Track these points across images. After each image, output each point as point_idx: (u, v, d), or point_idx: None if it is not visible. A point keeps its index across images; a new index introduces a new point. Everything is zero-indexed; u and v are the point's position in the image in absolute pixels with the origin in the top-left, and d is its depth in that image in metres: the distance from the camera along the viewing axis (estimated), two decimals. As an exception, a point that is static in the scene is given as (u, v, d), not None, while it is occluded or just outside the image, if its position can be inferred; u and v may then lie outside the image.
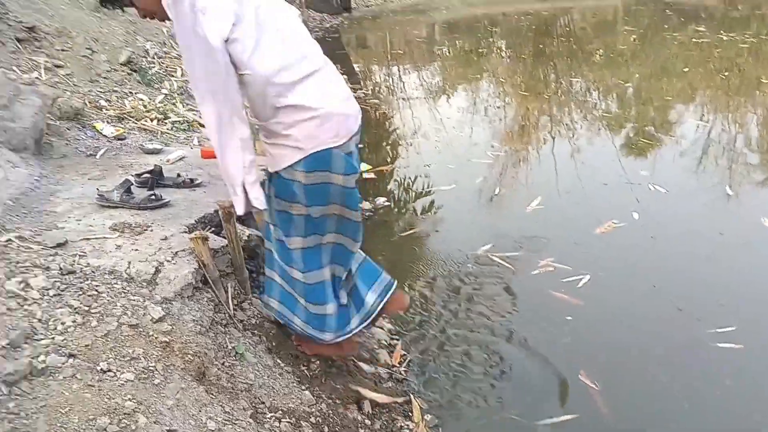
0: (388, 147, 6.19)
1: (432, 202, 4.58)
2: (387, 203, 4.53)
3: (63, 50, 4.16)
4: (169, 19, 1.87)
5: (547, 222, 4.12)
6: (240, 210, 2.03)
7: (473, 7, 17.82)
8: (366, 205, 4.41)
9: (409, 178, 5.13)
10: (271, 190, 2.12)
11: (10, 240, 2.23)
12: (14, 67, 3.72)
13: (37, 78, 3.70)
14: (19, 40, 4.04)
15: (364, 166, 5.19)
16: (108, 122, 3.61)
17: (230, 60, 1.82)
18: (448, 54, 11.77)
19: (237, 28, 1.81)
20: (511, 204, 4.53)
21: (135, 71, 4.42)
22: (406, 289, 3.35)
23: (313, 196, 2.04)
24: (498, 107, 7.47)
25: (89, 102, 3.76)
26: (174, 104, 4.24)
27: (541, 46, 11.46)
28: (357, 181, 2.11)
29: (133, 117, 3.80)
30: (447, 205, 4.51)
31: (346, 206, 2.13)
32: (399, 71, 10.25)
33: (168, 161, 3.25)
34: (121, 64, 4.38)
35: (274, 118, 1.95)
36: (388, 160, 5.65)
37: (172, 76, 4.72)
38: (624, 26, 13.43)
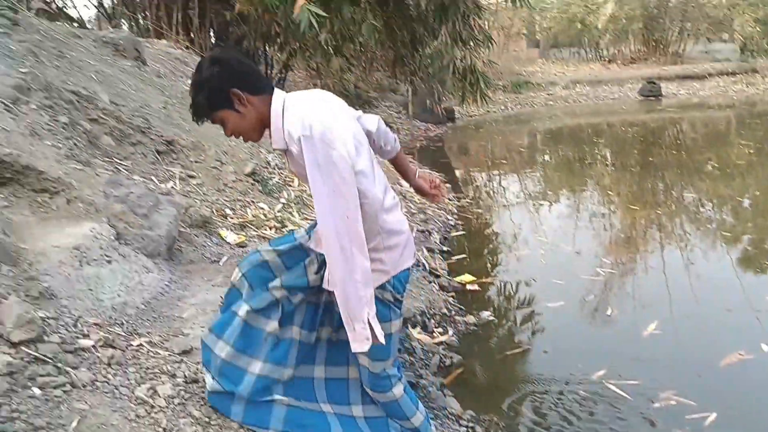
0: (490, 256, 6.15)
1: (539, 320, 4.44)
2: (491, 318, 4.45)
3: (196, 162, 4.56)
4: (255, 139, 2.00)
5: (665, 349, 3.87)
6: (362, 347, 1.91)
7: (577, 118, 17.95)
8: (470, 318, 4.35)
9: (514, 291, 5.04)
10: None
11: (141, 345, 2.37)
12: (153, 177, 4.10)
13: (172, 187, 4.05)
14: (158, 152, 4.47)
15: (467, 277, 5.17)
16: (231, 230, 3.86)
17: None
18: (550, 162, 11.79)
19: (359, 155, 1.87)
20: (625, 326, 4.31)
21: (257, 181, 4.75)
22: (511, 413, 3.21)
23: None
24: (603, 218, 7.31)
25: (216, 210, 4.05)
26: (291, 213, 4.48)
27: (649, 156, 11.25)
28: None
29: (253, 225, 4.04)
30: (555, 324, 4.36)
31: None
32: (500, 178, 10.35)
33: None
34: (245, 174, 4.72)
35: (371, 243, 1.95)
36: (490, 270, 5.60)
37: (290, 185, 5.02)
38: (738, 138, 12.97)
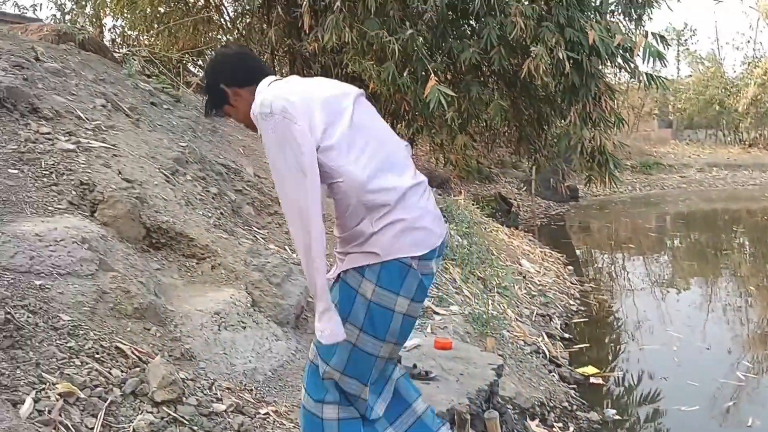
0: (613, 346, 5.83)
1: (670, 425, 4.10)
2: (617, 417, 4.17)
3: (327, 233, 4.75)
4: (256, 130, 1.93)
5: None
6: (317, 334, 1.85)
7: (712, 202, 16.90)
8: (593, 415, 4.10)
9: (642, 389, 4.71)
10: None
11: (268, 414, 2.45)
12: (286, 246, 4.33)
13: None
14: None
15: (590, 369, 4.91)
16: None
17: (320, 172, 1.78)
18: (681, 247, 11.11)
19: (328, 133, 1.81)
20: (771, 441, 3.87)
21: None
22: None
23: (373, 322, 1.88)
24: (740, 312, 6.73)
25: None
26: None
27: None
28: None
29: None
30: (689, 430, 4.00)
31: (398, 343, 1.99)
32: (625, 262, 9.87)
33: (405, 348, 3.40)
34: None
35: (358, 225, 1.87)
36: (614, 362, 5.29)
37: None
38: None
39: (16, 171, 3.00)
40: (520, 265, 7.21)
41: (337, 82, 2.06)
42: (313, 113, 1.82)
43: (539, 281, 6.94)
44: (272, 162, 1.84)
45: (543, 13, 7.93)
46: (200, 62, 12.21)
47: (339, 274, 1.95)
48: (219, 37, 11.67)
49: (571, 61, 7.92)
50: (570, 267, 8.58)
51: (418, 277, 1.89)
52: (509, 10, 7.77)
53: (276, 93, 1.85)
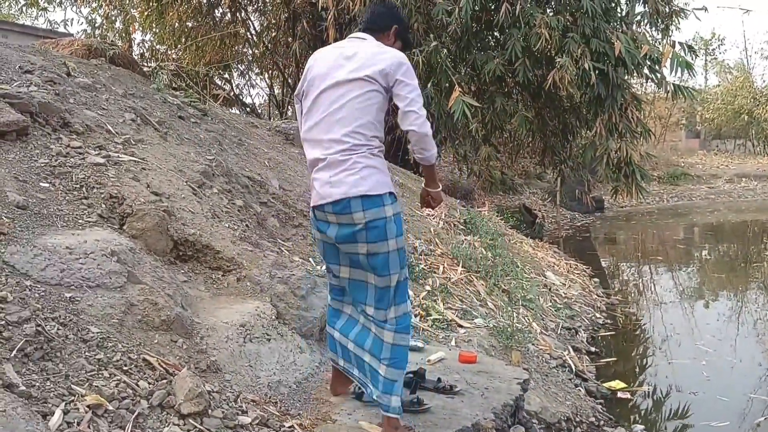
0: (641, 360, 5.73)
1: (701, 442, 4.01)
2: (645, 432, 4.09)
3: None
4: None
5: None
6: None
7: (742, 214, 16.57)
8: (621, 431, 4.03)
9: (671, 404, 4.61)
10: None
11: (293, 427, 2.45)
12: (311, 258, 4.34)
13: (326, 269, 4.25)
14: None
15: (617, 383, 4.83)
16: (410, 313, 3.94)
17: None
18: (710, 259, 10.90)
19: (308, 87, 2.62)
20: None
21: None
22: None
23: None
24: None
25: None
26: (435, 301, 4.51)
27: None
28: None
29: (399, 312, 4.11)
30: (720, 449, 3.91)
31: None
32: (652, 274, 9.72)
33: (429, 362, 3.39)
34: (394, 260, 4.85)
35: None
36: (642, 376, 5.19)
37: (435, 273, 5.07)
38: None
39: (47, 185, 3.06)
40: (545, 277, 7.14)
41: None
42: (307, 70, 2.69)
43: (565, 294, 6.86)
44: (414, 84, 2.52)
45: (568, 24, 7.90)
46: (226, 75, 12.40)
47: None
48: (245, 50, 11.86)
49: (597, 72, 7.88)
50: (596, 279, 8.47)
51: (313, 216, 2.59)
52: (534, 22, 7.77)
53: None
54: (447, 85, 8.19)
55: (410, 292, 4.54)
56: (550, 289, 6.70)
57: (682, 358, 5.48)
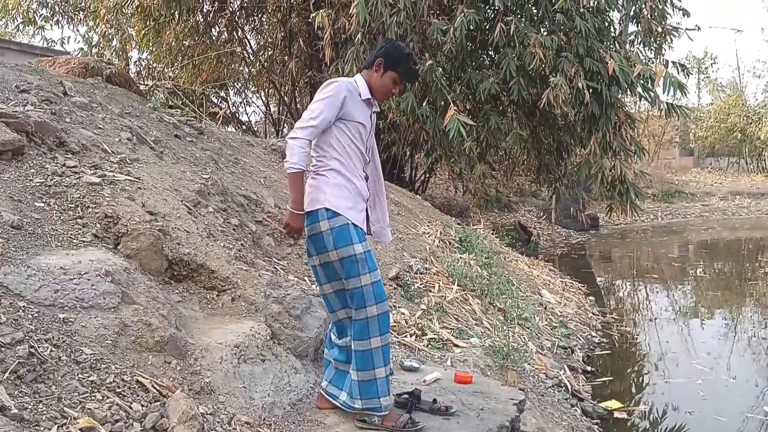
0: (637, 378, 5.72)
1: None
2: (642, 453, 4.06)
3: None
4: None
5: None
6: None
7: (736, 231, 16.63)
8: (617, 452, 4.01)
9: (667, 424, 4.60)
10: None
11: (287, 450, 2.43)
12: (306, 278, 4.33)
13: (322, 289, 4.24)
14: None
15: (613, 403, 4.82)
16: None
17: None
18: (704, 277, 10.93)
19: None
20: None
21: (400, 286, 4.85)
22: None
23: None
24: (766, 340, 6.58)
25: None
26: (431, 320, 4.50)
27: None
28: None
29: (395, 331, 4.10)
30: (717, 469, 3.88)
31: None
32: (648, 292, 9.73)
33: (424, 382, 3.37)
34: (389, 278, 4.85)
35: None
36: (639, 395, 5.18)
37: (430, 291, 5.07)
38: None
39: (42, 204, 3.05)
40: (540, 295, 7.14)
41: None
42: None
43: (560, 312, 6.85)
44: None
45: (562, 43, 7.98)
46: (222, 94, 12.45)
47: None
48: (241, 68, 11.91)
49: (591, 91, 7.95)
50: (591, 297, 8.47)
51: None
52: (528, 41, 7.84)
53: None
54: (442, 103, 8.24)
55: (405, 311, 4.54)
56: (545, 308, 6.69)
57: (679, 377, 5.48)
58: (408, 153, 11.24)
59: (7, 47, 14.62)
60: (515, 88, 8.20)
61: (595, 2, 7.91)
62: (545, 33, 8.28)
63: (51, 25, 13.11)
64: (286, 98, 11.53)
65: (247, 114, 14.13)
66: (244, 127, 12.87)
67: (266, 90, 12.44)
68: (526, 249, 10.81)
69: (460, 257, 6.22)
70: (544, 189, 13.34)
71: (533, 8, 8.71)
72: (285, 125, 12.36)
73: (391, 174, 10.59)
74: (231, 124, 12.30)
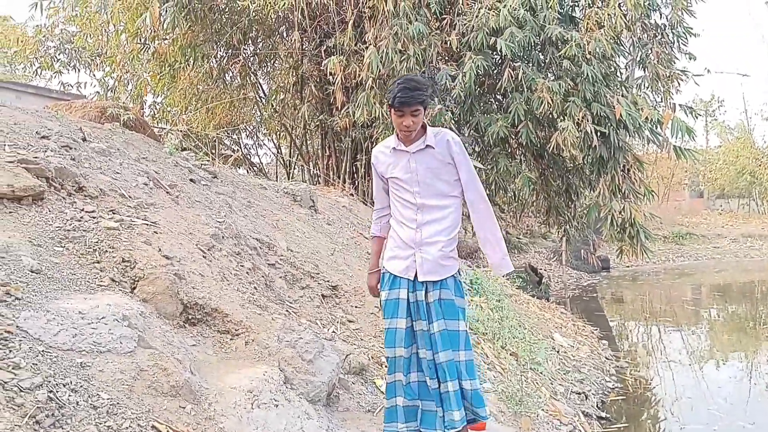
0: (652, 425, 5.62)
1: None
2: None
3: (356, 307, 4.77)
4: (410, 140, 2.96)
5: None
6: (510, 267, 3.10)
7: (748, 273, 16.48)
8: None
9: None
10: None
11: (301, 498, 2.40)
12: (317, 321, 4.34)
13: (334, 332, 4.25)
14: (323, 296, 4.75)
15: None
16: (385, 380, 3.91)
17: None
18: (718, 320, 10.79)
19: None
20: None
21: (412, 330, 4.84)
22: None
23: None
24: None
25: (372, 357, 4.15)
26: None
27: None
28: None
29: (407, 376, 4.07)
30: None
31: None
32: (661, 335, 9.61)
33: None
34: (401, 322, 4.84)
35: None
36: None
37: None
38: None
39: (61, 248, 3.11)
40: (553, 339, 7.07)
41: None
42: None
43: (573, 356, 6.78)
44: (468, 167, 3.00)
45: (569, 88, 8.10)
46: (234, 136, 12.65)
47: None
48: (254, 112, 12.13)
49: (599, 135, 8.03)
50: (604, 341, 8.37)
51: None
52: (536, 86, 7.97)
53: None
54: (451, 146, 8.33)
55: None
56: (558, 352, 6.63)
57: (695, 423, 5.37)
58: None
59: (24, 90, 14.98)
60: (524, 132, 8.30)
61: (602, 49, 8.05)
62: (552, 78, 8.42)
63: (68, 70, 13.48)
64: (297, 141, 11.68)
65: (258, 156, 14.28)
66: (255, 168, 13.03)
67: (278, 133, 12.63)
68: (537, 291, 10.74)
69: (471, 300, 6.20)
70: (554, 231, 13.33)
71: (540, 54, 8.88)
72: (296, 167, 12.49)
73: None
74: (243, 166, 12.46)
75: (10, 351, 2.29)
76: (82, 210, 3.46)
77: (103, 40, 10.91)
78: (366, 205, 8.78)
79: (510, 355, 5.37)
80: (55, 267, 2.96)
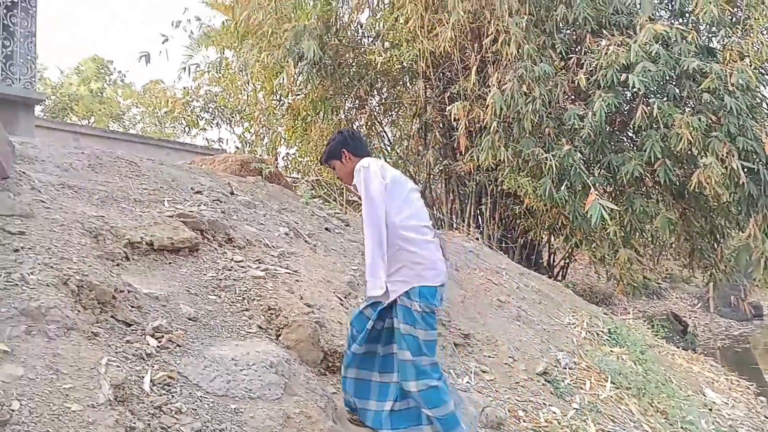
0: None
1: None
2: None
3: (489, 357, 4.66)
4: (351, 185, 3.17)
5: None
6: (379, 291, 2.92)
7: None
8: None
9: None
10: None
11: None
12: (451, 371, 4.27)
13: (468, 383, 4.16)
14: (455, 345, 4.69)
15: None
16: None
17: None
18: None
19: (393, 188, 3.03)
20: None
21: (549, 382, 4.63)
22: None
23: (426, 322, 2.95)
24: None
25: (509, 411, 4.01)
26: (585, 422, 4.22)
27: None
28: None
29: (547, 431, 3.89)
30: None
31: None
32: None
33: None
34: (537, 373, 4.65)
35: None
36: None
37: (582, 388, 4.78)
38: None
39: (214, 297, 3.32)
40: (703, 395, 6.47)
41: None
42: (386, 174, 3.07)
43: (728, 414, 6.14)
44: (364, 198, 2.99)
45: (711, 123, 7.60)
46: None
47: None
48: (379, 158, 12.48)
49: (746, 171, 7.43)
50: (762, 398, 7.53)
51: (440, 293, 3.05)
52: (673, 122, 7.56)
53: (373, 161, 3.13)
54: (581, 187, 8.06)
55: (556, 410, 4.32)
56: (710, 410, 6.04)
57: None
58: (545, 238, 10.98)
59: (172, 147, 16.49)
60: (661, 170, 7.85)
61: (746, 80, 7.49)
62: (691, 113, 7.95)
63: (211, 127, 14.68)
64: (420, 185, 11.87)
65: (384, 202, 14.62)
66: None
67: (401, 178, 12.90)
68: (681, 341, 9.95)
69: (611, 351, 5.85)
70: (697, 275, 12.37)
71: (676, 89, 8.43)
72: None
73: (528, 260, 10.37)
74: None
75: (173, 396, 2.46)
76: (232, 260, 3.69)
77: (242, 98, 11.78)
78: (492, 249, 8.65)
79: (658, 412, 4.98)
80: (209, 314, 3.16)
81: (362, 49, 10.18)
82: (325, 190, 9.83)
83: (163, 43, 11.26)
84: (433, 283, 2.96)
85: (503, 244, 9.98)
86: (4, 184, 3.22)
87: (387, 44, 10.02)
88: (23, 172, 3.53)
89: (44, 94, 17.52)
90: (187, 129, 15.50)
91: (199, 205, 4.14)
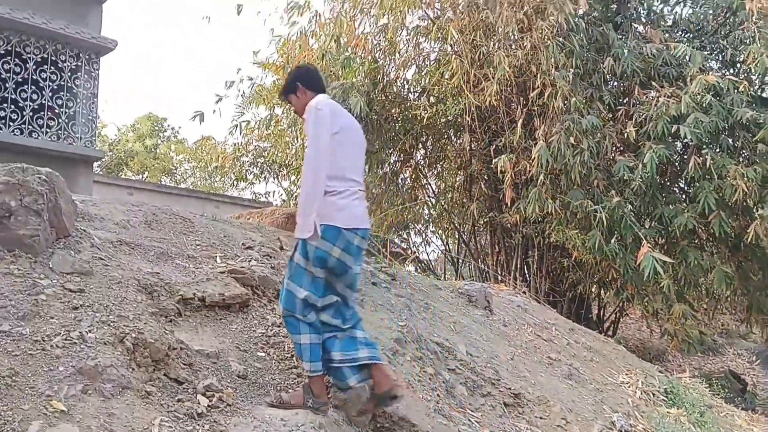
0: None
1: None
2: None
3: (541, 418, 4.50)
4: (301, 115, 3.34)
5: None
6: (301, 234, 3.09)
7: None
8: None
9: None
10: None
11: None
12: None
13: (520, 445, 4.01)
14: (505, 404, 4.55)
15: None
16: None
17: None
18: None
19: (341, 134, 3.19)
20: None
21: (605, 446, 4.43)
22: None
23: (319, 260, 3.07)
24: None
25: (564, 477, 3.84)
26: (645, 490, 4.00)
27: None
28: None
29: (604, 500, 3.70)
30: None
31: (335, 275, 3.18)
32: None
33: None
34: (591, 437, 4.46)
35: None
36: None
37: (640, 453, 4.56)
38: None
39: (263, 354, 3.33)
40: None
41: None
42: (335, 120, 3.20)
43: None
44: (309, 136, 3.21)
45: (766, 174, 7.40)
46: (404, 235, 13.06)
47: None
48: (423, 211, 12.50)
49: (809, 222, 7.16)
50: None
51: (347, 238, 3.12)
52: (726, 173, 7.39)
53: (327, 103, 3.26)
54: (632, 240, 7.89)
55: None
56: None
57: None
58: (595, 292, 10.70)
59: (221, 200, 16.88)
60: (716, 222, 7.64)
61: (802, 129, 7.31)
62: (745, 164, 7.75)
63: (259, 181, 15.01)
64: (464, 237, 11.78)
65: (427, 253, 14.55)
66: (423, 265, 13.25)
67: (445, 230, 12.84)
68: (741, 401, 9.42)
69: (668, 412, 5.59)
70: (755, 330, 11.82)
71: (729, 139, 8.27)
72: (463, 264, 12.51)
73: (578, 314, 10.09)
74: (412, 263, 12.74)
75: (223, 457, 2.44)
76: (281, 317, 3.70)
77: (290, 153, 12.06)
78: (540, 303, 8.47)
79: (723, 480, 4.69)
80: (258, 372, 3.17)
81: (408, 104, 10.35)
82: (370, 242, 9.87)
83: (216, 102, 11.69)
84: (341, 224, 3.07)
85: (551, 298, 9.77)
86: (66, 242, 3.35)
87: (432, 99, 10.17)
88: (83, 230, 3.67)
89: (102, 151, 18.34)
90: (235, 183, 15.89)
91: (250, 261, 4.21)
